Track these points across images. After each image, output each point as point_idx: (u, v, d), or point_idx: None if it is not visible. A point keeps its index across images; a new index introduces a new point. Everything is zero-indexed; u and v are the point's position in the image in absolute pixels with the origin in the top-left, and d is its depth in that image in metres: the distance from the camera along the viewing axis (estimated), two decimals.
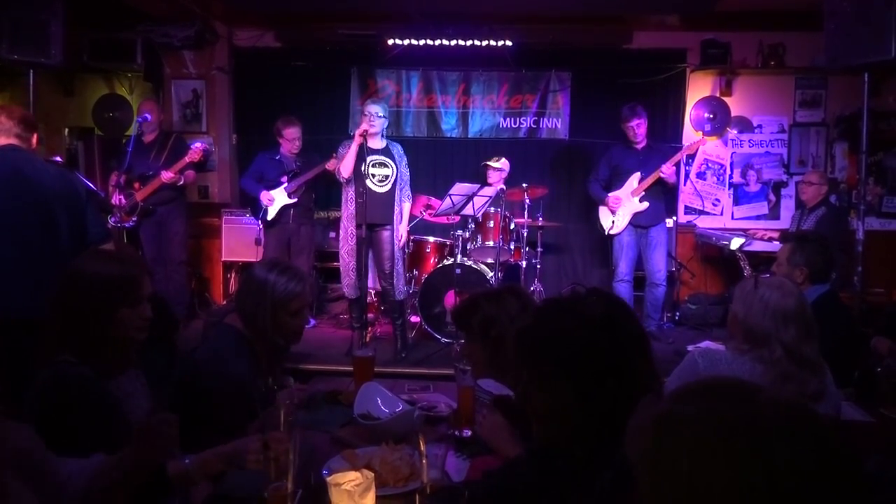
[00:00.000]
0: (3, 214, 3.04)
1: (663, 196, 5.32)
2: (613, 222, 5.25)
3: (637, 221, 5.23)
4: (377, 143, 4.57)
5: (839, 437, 0.73)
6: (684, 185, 6.32)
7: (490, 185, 5.46)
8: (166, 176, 5.19)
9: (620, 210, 5.22)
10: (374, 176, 4.53)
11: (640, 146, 5.25)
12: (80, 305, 1.75)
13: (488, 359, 2.05)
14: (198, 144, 5.30)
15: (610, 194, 5.26)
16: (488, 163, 5.68)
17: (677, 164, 5.26)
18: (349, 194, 4.60)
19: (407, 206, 4.75)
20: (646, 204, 5.17)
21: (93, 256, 1.89)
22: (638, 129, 5.16)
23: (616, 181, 5.30)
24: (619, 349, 1.24)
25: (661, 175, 5.07)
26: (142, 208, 5.29)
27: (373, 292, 5.39)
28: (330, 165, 5.12)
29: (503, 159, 5.71)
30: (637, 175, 5.18)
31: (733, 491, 0.69)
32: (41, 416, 1.66)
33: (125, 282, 1.80)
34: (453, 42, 5.95)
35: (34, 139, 3.26)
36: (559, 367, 1.24)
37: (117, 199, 5.22)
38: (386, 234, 4.63)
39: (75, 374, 1.69)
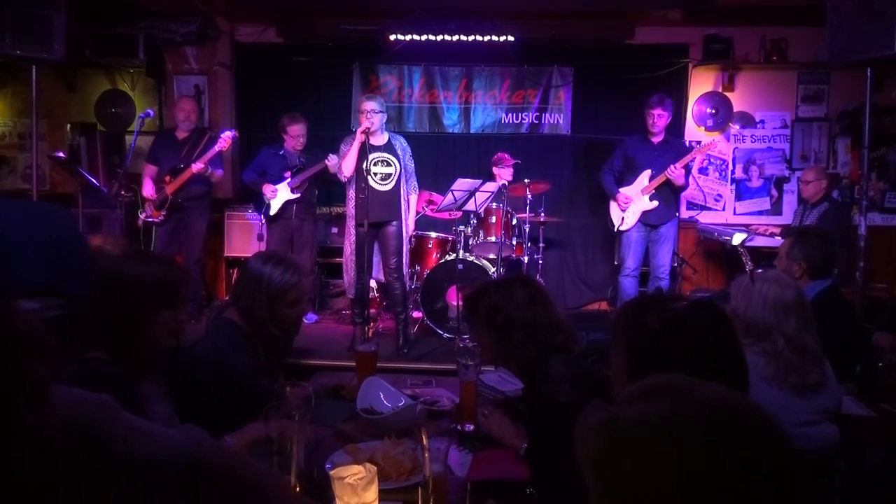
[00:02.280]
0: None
1: (674, 195, 5.29)
2: (623, 219, 5.25)
3: (646, 220, 5.21)
4: (379, 139, 4.55)
5: (769, 428, 0.74)
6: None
7: (498, 178, 5.50)
8: (196, 167, 5.17)
9: (630, 207, 5.22)
10: (376, 174, 4.51)
11: (656, 140, 5.23)
12: (123, 306, 1.73)
13: (494, 344, 2.07)
14: (227, 133, 5.28)
15: (620, 191, 5.24)
16: (502, 163, 5.69)
17: (687, 166, 5.21)
18: (351, 192, 4.60)
19: (414, 197, 4.74)
20: (655, 203, 5.14)
21: (136, 258, 1.88)
22: (659, 119, 5.14)
23: (629, 174, 5.27)
24: (675, 355, 1.32)
25: (669, 176, 5.06)
26: (171, 202, 5.29)
27: (375, 288, 5.40)
28: (329, 162, 5.11)
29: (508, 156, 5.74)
30: (648, 172, 5.16)
31: (671, 490, 0.70)
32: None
33: (170, 285, 1.81)
34: (455, 37, 5.94)
35: None
36: (621, 341, 1.42)
37: (149, 192, 5.25)
38: (392, 229, 4.62)
39: (107, 372, 1.67)
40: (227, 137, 5.26)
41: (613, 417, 0.79)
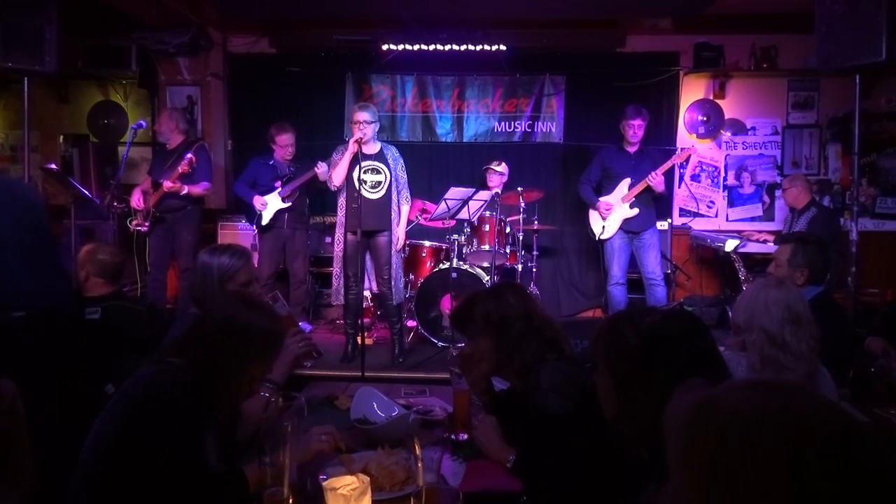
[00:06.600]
0: None
1: (653, 202, 5.32)
2: (604, 228, 5.28)
3: (627, 227, 5.25)
4: (370, 147, 4.56)
5: (875, 441, 0.70)
6: (678, 187, 6.35)
7: (489, 188, 5.49)
8: (167, 185, 5.13)
9: (611, 216, 5.25)
10: (366, 182, 4.51)
11: (632, 149, 5.27)
12: (223, 348, 1.74)
13: (495, 345, 2.02)
14: (189, 155, 5.18)
15: (601, 200, 5.28)
16: (490, 165, 5.71)
17: (668, 172, 5.25)
18: (341, 200, 4.60)
19: (405, 208, 4.74)
20: (636, 210, 5.19)
21: (245, 303, 1.86)
22: (638, 129, 5.19)
23: (607, 184, 5.32)
24: (657, 367, 1.33)
25: (650, 183, 5.09)
26: (152, 214, 5.26)
27: (369, 297, 5.39)
28: (319, 170, 5.10)
29: (503, 163, 5.74)
30: (627, 181, 5.21)
31: (756, 484, 0.67)
32: (146, 410, 1.64)
33: (271, 336, 1.82)
34: (447, 47, 5.96)
35: None
36: (603, 364, 1.45)
37: (137, 202, 5.24)
38: (383, 239, 4.62)
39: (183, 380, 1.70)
40: (188, 159, 5.14)
41: (715, 400, 0.74)
